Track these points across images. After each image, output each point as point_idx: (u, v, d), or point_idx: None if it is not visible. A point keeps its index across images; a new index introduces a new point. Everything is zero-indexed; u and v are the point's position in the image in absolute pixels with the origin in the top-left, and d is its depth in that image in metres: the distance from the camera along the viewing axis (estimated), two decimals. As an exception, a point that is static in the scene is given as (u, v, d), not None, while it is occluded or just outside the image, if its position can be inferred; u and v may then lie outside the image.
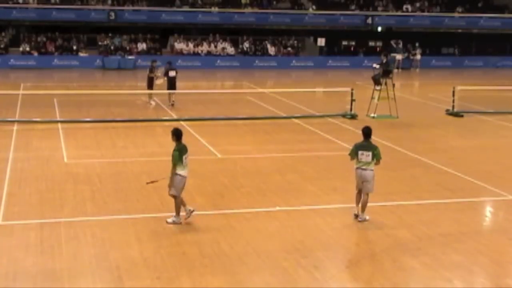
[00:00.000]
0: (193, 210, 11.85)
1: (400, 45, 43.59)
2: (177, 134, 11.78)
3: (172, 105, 24.89)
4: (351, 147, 12.41)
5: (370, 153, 11.87)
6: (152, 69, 25.34)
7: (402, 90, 28.40)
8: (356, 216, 12.16)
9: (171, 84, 24.94)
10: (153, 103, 25.26)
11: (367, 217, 12.09)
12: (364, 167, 11.91)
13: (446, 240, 11.27)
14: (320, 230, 11.68)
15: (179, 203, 11.73)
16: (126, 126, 21.12)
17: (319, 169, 16.01)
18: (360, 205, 12.09)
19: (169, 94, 25.21)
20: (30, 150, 17.45)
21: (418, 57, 43.90)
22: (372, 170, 11.94)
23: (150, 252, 10.33)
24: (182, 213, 11.79)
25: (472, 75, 40.93)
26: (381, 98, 22.97)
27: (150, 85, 25.32)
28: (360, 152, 11.92)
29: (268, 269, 9.90)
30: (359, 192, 12.13)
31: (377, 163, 12.01)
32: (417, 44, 44.06)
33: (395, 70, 37.06)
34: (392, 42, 43.11)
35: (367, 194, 12.02)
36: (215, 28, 43.60)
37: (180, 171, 11.59)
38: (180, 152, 11.57)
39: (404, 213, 12.65)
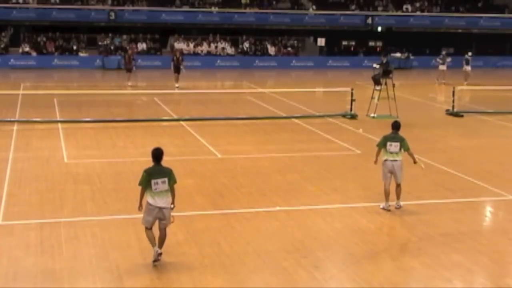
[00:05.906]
0: (160, 253, 9.75)
1: (444, 53, 37.51)
2: (153, 155, 9.89)
3: (178, 79, 30.29)
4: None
5: (398, 144, 12.51)
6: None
7: (401, 90, 28.32)
8: (385, 209, 12.60)
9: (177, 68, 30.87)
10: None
11: (402, 204, 12.73)
12: (392, 158, 12.48)
13: (446, 240, 11.27)
14: (320, 230, 11.68)
15: (148, 236, 9.86)
16: (126, 126, 21.11)
17: (319, 169, 16.00)
18: (395, 195, 12.67)
19: (176, 77, 30.40)
20: (30, 150, 17.44)
21: (469, 68, 35.69)
22: (400, 160, 12.56)
23: (150, 252, 10.31)
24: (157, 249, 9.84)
25: (472, 75, 40.87)
26: (381, 98, 22.97)
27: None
28: (388, 143, 12.52)
29: (268, 269, 9.90)
30: (387, 185, 12.58)
31: (409, 152, 12.67)
32: (469, 53, 36.11)
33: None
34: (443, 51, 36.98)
35: (399, 185, 12.59)
36: (215, 28, 43.58)
37: (148, 198, 9.79)
38: (148, 175, 9.78)
39: (404, 213, 12.64)
